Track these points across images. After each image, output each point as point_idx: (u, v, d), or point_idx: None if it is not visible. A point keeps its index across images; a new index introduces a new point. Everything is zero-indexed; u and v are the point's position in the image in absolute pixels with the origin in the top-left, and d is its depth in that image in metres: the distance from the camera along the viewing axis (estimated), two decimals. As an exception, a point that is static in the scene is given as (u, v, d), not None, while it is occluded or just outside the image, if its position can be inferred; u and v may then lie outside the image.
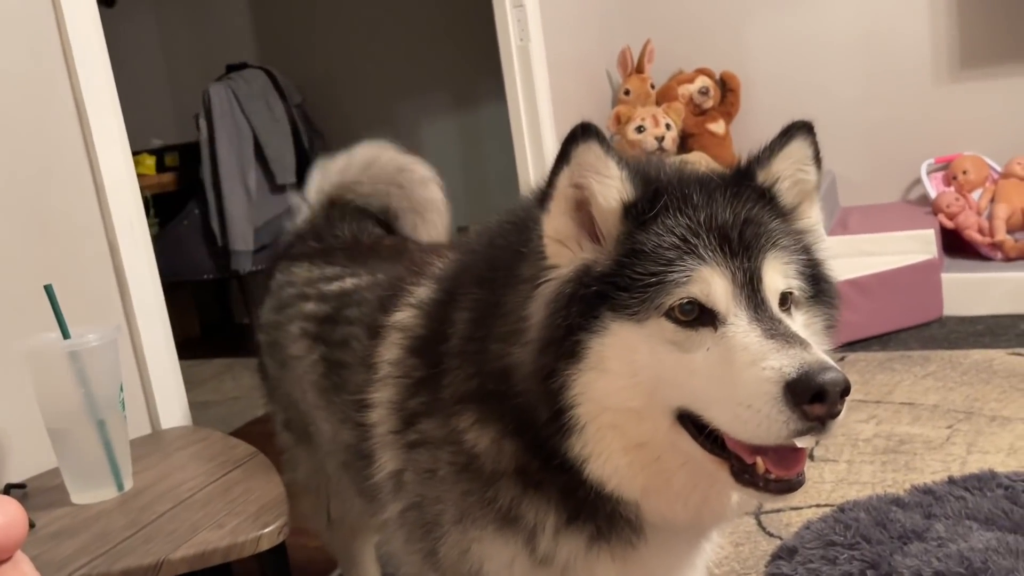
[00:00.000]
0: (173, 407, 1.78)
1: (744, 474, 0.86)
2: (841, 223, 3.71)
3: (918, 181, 3.82)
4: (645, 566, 1.03)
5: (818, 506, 2.03)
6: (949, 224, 3.51)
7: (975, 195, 3.59)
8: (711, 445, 0.87)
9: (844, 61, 3.93)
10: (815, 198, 1.03)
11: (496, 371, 0.96)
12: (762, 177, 0.99)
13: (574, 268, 0.91)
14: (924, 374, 2.79)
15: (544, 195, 0.93)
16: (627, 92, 3.84)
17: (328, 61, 4.94)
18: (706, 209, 0.91)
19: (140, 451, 1.51)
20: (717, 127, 3.90)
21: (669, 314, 0.86)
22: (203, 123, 4.28)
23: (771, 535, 1.94)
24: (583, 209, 0.93)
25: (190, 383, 1.87)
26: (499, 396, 0.96)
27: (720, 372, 0.84)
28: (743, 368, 0.82)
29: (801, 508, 2.04)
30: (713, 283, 0.86)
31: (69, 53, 1.65)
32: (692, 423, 0.87)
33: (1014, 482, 1.72)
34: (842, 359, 3.03)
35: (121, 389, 1.38)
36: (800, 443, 0.82)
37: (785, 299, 0.92)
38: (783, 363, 0.80)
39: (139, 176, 1.92)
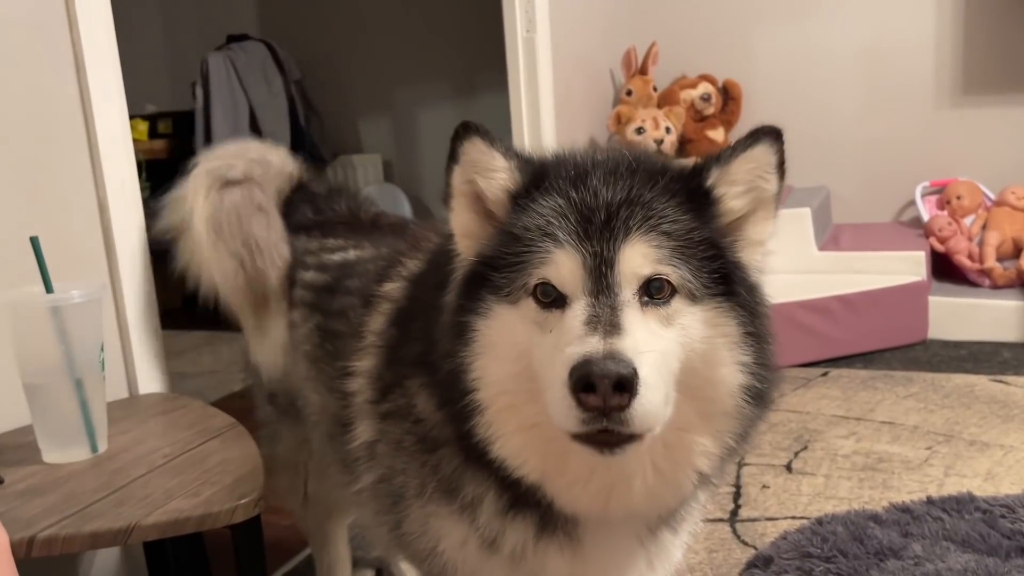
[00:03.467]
0: (152, 373, 1.75)
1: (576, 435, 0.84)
2: (833, 239, 3.72)
3: (912, 203, 3.84)
4: (593, 562, 1.02)
5: (793, 518, 2.03)
6: (940, 248, 3.52)
7: (967, 221, 3.61)
8: None
9: (847, 78, 3.94)
10: (772, 208, 0.99)
11: (431, 344, 0.98)
12: (716, 176, 0.96)
13: (474, 255, 0.94)
14: (906, 394, 2.79)
15: (446, 195, 0.97)
16: (629, 92, 3.83)
17: (331, 40, 4.90)
18: (586, 191, 0.91)
19: (116, 414, 1.47)
20: (716, 134, 3.89)
21: (534, 295, 0.88)
22: (199, 91, 4.24)
23: (745, 543, 1.94)
24: (481, 202, 0.96)
25: (168, 353, 1.84)
26: (434, 368, 0.98)
27: (549, 356, 0.85)
28: (557, 350, 0.83)
29: (777, 519, 2.04)
30: (563, 265, 0.87)
31: (71, 2, 1.61)
32: None
33: (992, 506, 1.71)
34: (825, 374, 3.04)
35: (102, 349, 1.35)
36: (591, 453, 0.83)
37: (659, 287, 0.88)
38: (577, 349, 0.80)
39: (132, 139, 1.88)
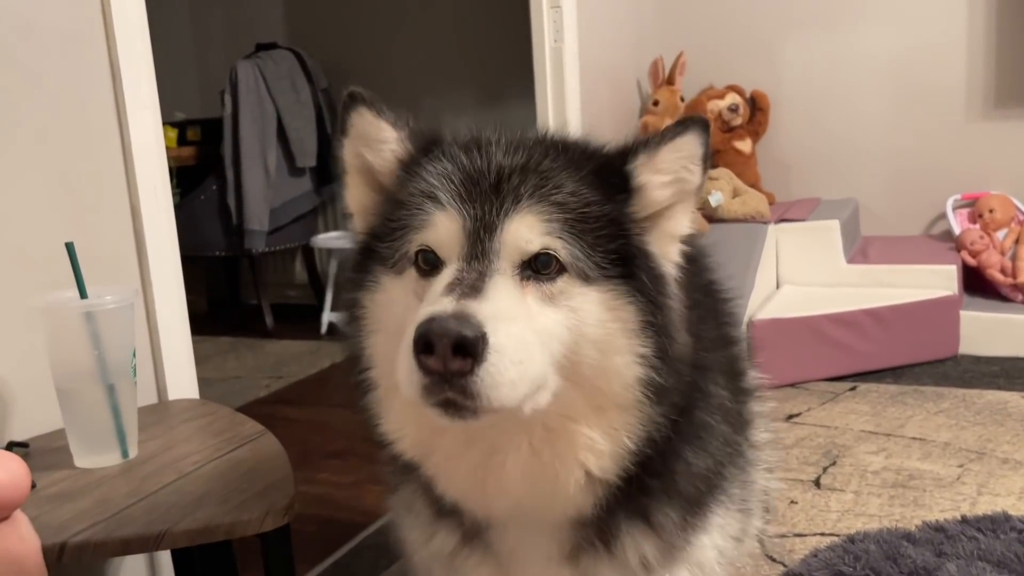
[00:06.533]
0: (182, 378, 1.76)
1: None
2: (861, 252, 3.68)
3: (942, 216, 3.79)
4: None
5: (823, 535, 2.00)
6: (972, 262, 3.47)
7: (1000, 235, 3.56)
8: None
9: (877, 89, 3.90)
10: (691, 204, 0.92)
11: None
12: (641, 161, 0.89)
13: (363, 229, 0.90)
14: (937, 410, 2.75)
15: (339, 172, 0.92)
16: (656, 103, 3.82)
17: (358, 49, 4.92)
18: (479, 156, 0.85)
19: (147, 420, 1.48)
20: (744, 145, 3.87)
21: (416, 263, 0.83)
22: (228, 99, 4.27)
23: (773, 560, 1.91)
24: (374, 175, 0.91)
25: (194, 359, 1.85)
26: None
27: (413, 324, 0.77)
28: (413, 316, 0.76)
29: (805, 535, 2.01)
30: (441, 228, 0.82)
31: (108, 12, 1.63)
32: None
33: (1028, 526, 1.68)
34: (853, 389, 3.00)
35: (134, 355, 1.35)
36: (439, 416, 0.75)
37: (547, 262, 0.81)
38: (423, 312, 0.74)
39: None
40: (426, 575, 1.07)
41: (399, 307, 0.83)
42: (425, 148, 0.89)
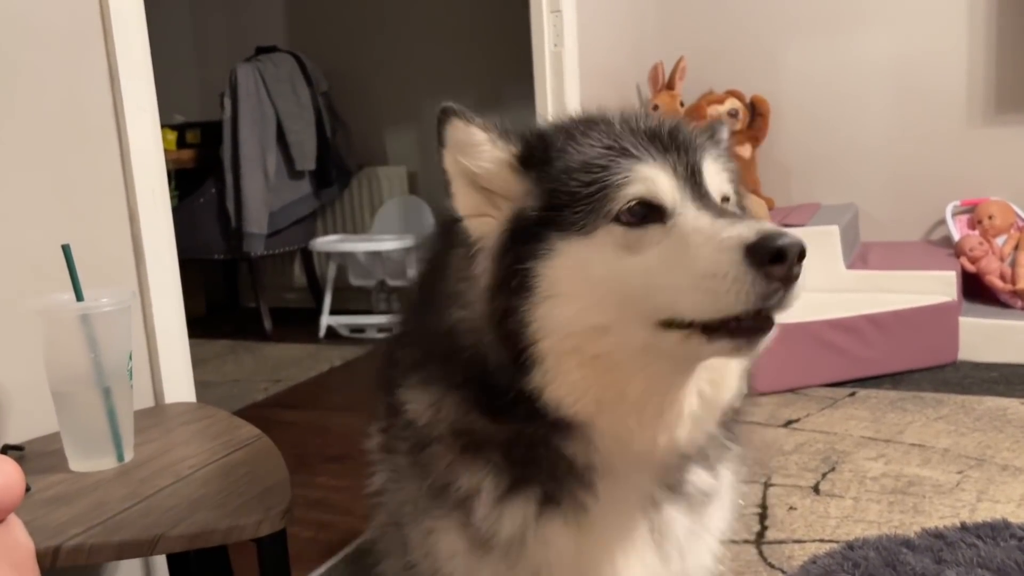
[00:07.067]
0: (179, 382, 1.75)
1: (714, 328, 0.83)
2: (861, 258, 3.67)
3: (942, 222, 3.79)
4: (601, 533, 0.97)
5: (822, 541, 1.99)
6: (971, 268, 3.47)
7: (999, 241, 3.56)
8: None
9: (877, 94, 3.91)
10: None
11: (441, 334, 0.94)
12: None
13: (506, 218, 0.91)
14: (936, 416, 2.74)
15: (446, 183, 0.95)
16: (656, 107, 3.81)
17: (358, 53, 4.93)
18: (636, 122, 0.92)
19: (142, 423, 1.47)
20: (744, 150, 3.87)
21: (618, 219, 0.86)
22: (228, 102, 4.27)
23: (772, 566, 1.90)
24: (473, 177, 0.95)
25: (192, 362, 1.84)
26: (443, 356, 0.95)
27: (678, 256, 0.83)
28: (702, 245, 0.81)
29: (804, 542, 2.00)
30: (657, 179, 0.86)
31: (107, 14, 1.63)
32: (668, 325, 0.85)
33: (1028, 534, 1.68)
34: (853, 394, 3.00)
35: (130, 358, 1.35)
36: (733, 348, 0.82)
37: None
38: (740, 231, 0.80)
39: (161, 148, 1.89)
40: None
41: (591, 267, 0.86)
42: (539, 139, 0.94)
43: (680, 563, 1.02)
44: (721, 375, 0.94)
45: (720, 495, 1.06)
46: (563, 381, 0.88)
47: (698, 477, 1.02)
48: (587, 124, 0.93)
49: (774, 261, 0.77)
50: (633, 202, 0.86)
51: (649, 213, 0.86)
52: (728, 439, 1.04)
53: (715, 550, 1.08)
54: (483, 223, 0.93)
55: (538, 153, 0.92)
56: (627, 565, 0.98)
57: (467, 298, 0.92)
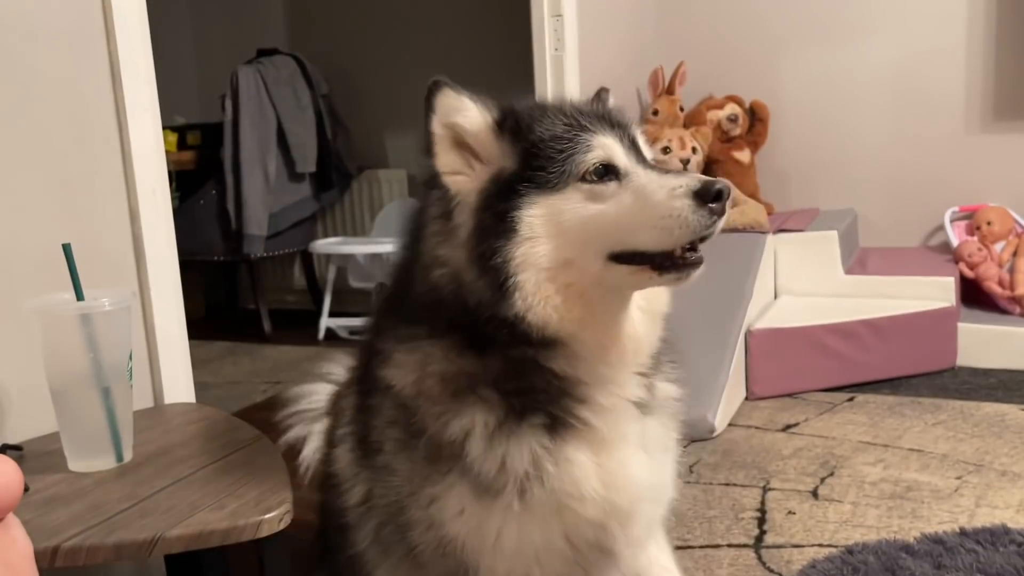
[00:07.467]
0: (179, 382, 1.75)
1: (663, 266, 1.03)
2: (859, 263, 3.68)
3: (940, 228, 3.79)
4: (612, 446, 1.09)
5: (820, 545, 1.99)
6: (969, 274, 3.47)
7: (998, 247, 3.56)
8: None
9: (876, 101, 3.91)
10: None
11: (424, 292, 1.08)
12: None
13: (487, 177, 1.08)
14: (934, 422, 2.74)
15: (428, 145, 1.10)
16: (656, 112, 3.82)
17: (359, 56, 4.93)
18: (569, 109, 1.11)
19: (142, 424, 1.47)
20: (743, 155, 3.87)
21: (583, 178, 1.05)
22: (229, 104, 4.26)
23: (771, 570, 1.90)
24: (460, 142, 1.10)
25: (191, 363, 1.84)
26: (427, 310, 1.08)
27: (637, 205, 1.03)
28: (655, 193, 1.02)
29: (803, 546, 2.00)
30: (612, 147, 1.06)
31: (109, 15, 1.63)
32: (616, 259, 1.05)
33: (1027, 539, 1.68)
34: (851, 399, 3.00)
35: (130, 358, 1.35)
36: (676, 277, 1.04)
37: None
38: (686, 181, 1.02)
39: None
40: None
41: (563, 215, 1.04)
42: (511, 112, 1.11)
43: (659, 474, 1.16)
44: (652, 295, 1.13)
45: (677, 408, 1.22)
46: (547, 303, 1.04)
47: (663, 387, 1.19)
48: (545, 107, 1.12)
49: (715, 200, 0.99)
50: (597, 164, 1.05)
51: (607, 173, 1.05)
52: (670, 360, 1.21)
53: (675, 468, 1.23)
54: (461, 180, 1.09)
55: (511, 123, 1.10)
56: (638, 472, 1.11)
57: (446, 254, 1.07)
